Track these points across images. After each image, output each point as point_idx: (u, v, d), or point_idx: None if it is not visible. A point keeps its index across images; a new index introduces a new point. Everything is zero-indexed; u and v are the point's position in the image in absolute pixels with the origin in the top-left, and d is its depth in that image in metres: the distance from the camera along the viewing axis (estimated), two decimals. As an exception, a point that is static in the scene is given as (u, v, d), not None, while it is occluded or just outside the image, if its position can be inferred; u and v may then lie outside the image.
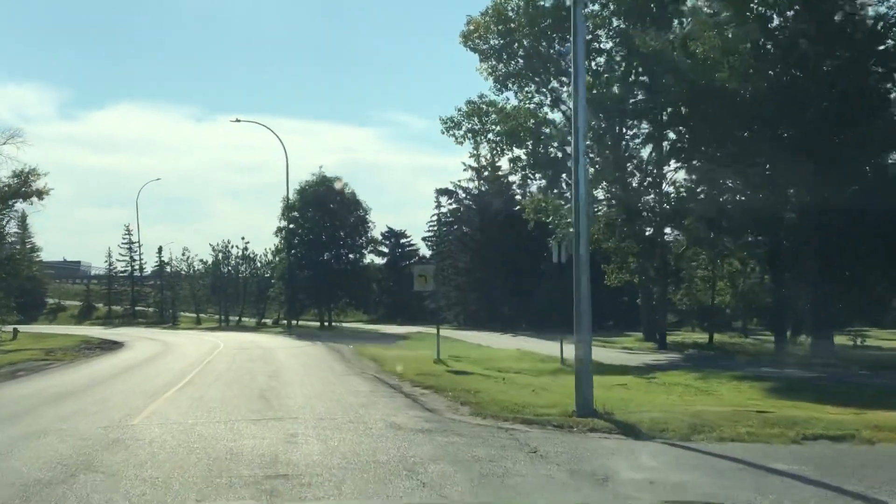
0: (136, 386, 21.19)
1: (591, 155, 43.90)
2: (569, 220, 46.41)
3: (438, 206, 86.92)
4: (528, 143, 43.88)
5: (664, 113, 39.19)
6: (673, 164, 39.95)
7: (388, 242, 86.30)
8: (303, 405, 16.31)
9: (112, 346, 47.69)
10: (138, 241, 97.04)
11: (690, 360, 34.28)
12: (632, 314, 67.69)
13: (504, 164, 69.96)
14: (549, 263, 70.44)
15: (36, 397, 19.20)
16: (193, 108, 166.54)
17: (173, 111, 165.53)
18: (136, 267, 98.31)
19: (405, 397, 18.13)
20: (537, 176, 44.56)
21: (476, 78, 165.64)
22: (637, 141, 42.64)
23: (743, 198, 35.10)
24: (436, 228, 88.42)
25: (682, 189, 38.79)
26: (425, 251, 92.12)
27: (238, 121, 63.79)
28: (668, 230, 42.30)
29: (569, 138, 45.48)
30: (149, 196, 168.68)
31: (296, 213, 62.87)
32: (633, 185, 42.53)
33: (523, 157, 44.38)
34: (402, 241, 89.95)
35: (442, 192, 75.62)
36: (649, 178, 42.10)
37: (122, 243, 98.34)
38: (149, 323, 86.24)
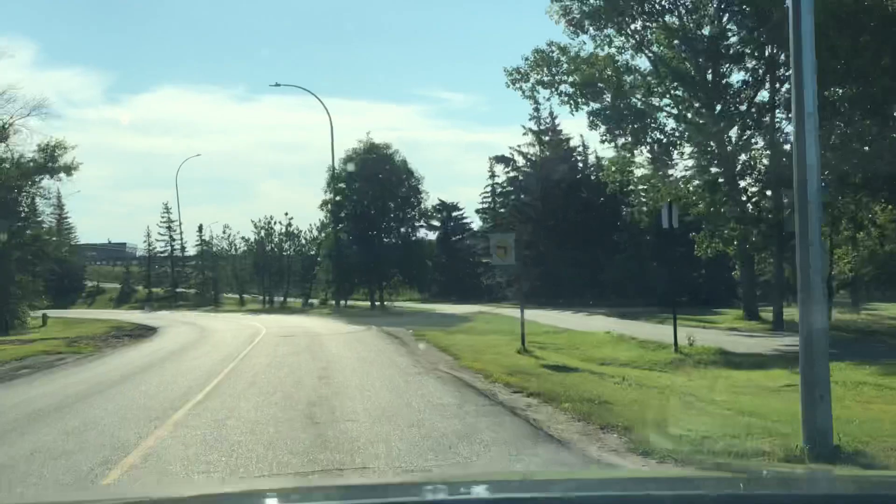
0: (146, 397, 16.08)
1: (679, 108, 38.32)
2: (659, 180, 40.91)
3: (493, 175, 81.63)
4: (607, 94, 38.26)
5: (774, 50, 33.38)
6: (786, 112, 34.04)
7: (439, 216, 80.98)
8: (371, 435, 11.08)
9: (144, 332, 43.16)
10: (178, 221, 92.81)
11: (833, 344, 28.42)
12: (710, 289, 61.87)
13: (567, 127, 64.63)
14: (622, 233, 64.97)
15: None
16: (236, 90, 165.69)
17: (216, 92, 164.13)
18: (178, 247, 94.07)
19: (512, 415, 12.82)
20: (616, 133, 38.80)
21: (522, 49, 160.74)
22: (737, 85, 36.69)
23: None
24: (490, 200, 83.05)
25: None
26: (478, 224, 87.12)
27: (278, 85, 59.86)
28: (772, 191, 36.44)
29: (655, 89, 40.10)
30: (193, 177, 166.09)
31: (342, 185, 57.68)
32: (733, 138, 36.73)
33: (594, 112, 38.69)
34: (455, 213, 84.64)
35: (498, 159, 70.19)
36: (753, 131, 36.25)
37: (161, 223, 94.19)
38: (190, 305, 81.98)
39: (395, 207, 58.42)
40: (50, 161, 58.07)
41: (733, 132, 36.93)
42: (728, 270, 63.78)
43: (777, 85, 35.55)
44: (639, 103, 38.02)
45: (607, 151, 65.25)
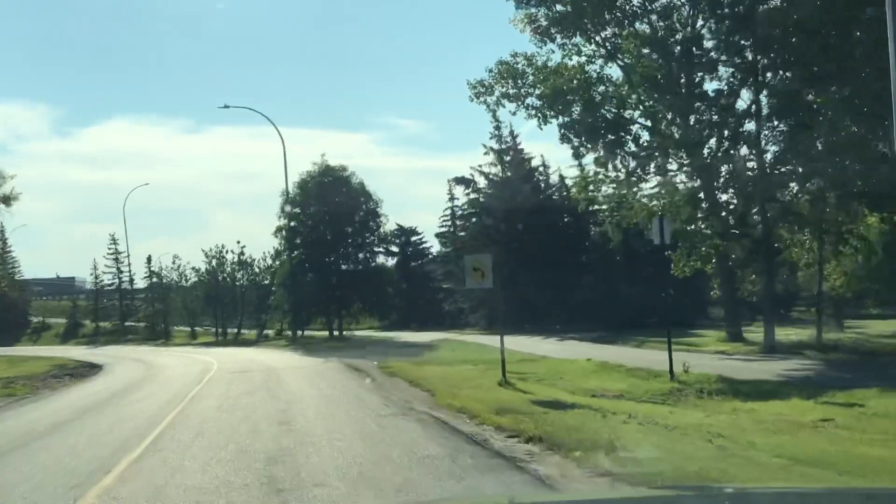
0: (73, 454, 13.53)
1: (654, 119, 36.38)
2: (633, 196, 38.76)
3: (452, 197, 79.30)
4: (577, 106, 36.20)
5: (759, 53, 31.54)
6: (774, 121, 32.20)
7: (397, 241, 78.51)
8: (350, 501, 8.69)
9: (88, 371, 40.43)
10: (127, 252, 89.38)
11: (838, 367, 26.40)
12: (679, 310, 59.99)
13: (529, 147, 62.50)
14: (592, 254, 62.87)
15: None
16: (186, 121, 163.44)
17: (166, 124, 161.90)
18: (126, 279, 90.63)
19: (517, 470, 10.47)
20: (588, 147, 36.74)
21: (473, 75, 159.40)
22: (712, 94, 34.79)
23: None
24: (449, 223, 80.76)
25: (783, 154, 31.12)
26: (438, 249, 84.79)
27: (227, 106, 56.59)
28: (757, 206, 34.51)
29: (628, 100, 38.02)
30: (144, 208, 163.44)
31: (297, 210, 55.11)
32: (712, 149, 34.83)
33: (566, 125, 36.60)
34: (413, 238, 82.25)
35: (458, 181, 67.92)
36: (732, 142, 34.36)
37: (109, 254, 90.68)
38: (139, 339, 78.71)
39: (353, 232, 55.92)
40: (-14, 191, 55.04)
41: (712, 143, 34.98)
42: (697, 290, 62.08)
43: (756, 92, 33.68)
44: (610, 115, 35.96)
45: (571, 170, 63.68)
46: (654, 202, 37.21)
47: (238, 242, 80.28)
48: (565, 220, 61.00)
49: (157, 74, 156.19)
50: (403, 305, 76.82)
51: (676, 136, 35.44)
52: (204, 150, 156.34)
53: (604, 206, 40.06)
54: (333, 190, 54.34)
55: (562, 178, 62.53)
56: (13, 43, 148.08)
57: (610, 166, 35.99)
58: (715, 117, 34.58)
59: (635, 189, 37.47)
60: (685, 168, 35.94)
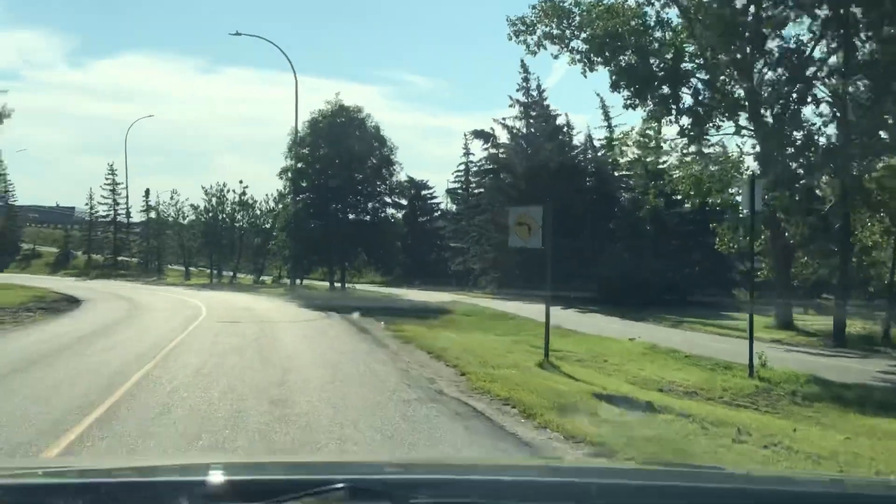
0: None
1: (717, 71, 32.39)
2: (684, 159, 34.91)
3: (467, 152, 75.26)
4: (628, 53, 32.24)
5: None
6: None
7: (406, 194, 74.48)
8: None
9: (66, 305, 36.85)
10: (126, 185, 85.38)
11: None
12: (702, 290, 56.23)
13: (555, 104, 57.85)
14: (621, 221, 58.93)
15: None
16: (199, 60, 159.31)
17: (179, 61, 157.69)
18: (122, 212, 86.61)
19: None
20: (643, 99, 32.79)
21: (492, 33, 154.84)
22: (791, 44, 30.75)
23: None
24: (462, 179, 76.79)
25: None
26: (448, 206, 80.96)
27: (238, 34, 52.41)
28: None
29: (687, 50, 34.02)
30: (149, 146, 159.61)
31: (305, 150, 51.09)
32: (779, 109, 30.87)
33: (617, 71, 32.64)
34: (424, 192, 78.33)
35: (476, 134, 63.72)
36: (802, 104, 30.40)
37: (105, 184, 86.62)
38: (131, 275, 75.00)
39: (364, 179, 51.84)
40: (-25, 107, 51.03)
41: (780, 104, 31.00)
42: (725, 269, 58.32)
43: (839, 48, 29.62)
44: (666, 66, 31.98)
45: (600, 131, 59.75)
46: (706, 168, 33.38)
47: (241, 182, 76.40)
48: (590, 183, 57.03)
49: (174, 11, 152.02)
50: (408, 262, 73.00)
51: (739, 93, 31.50)
52: (214, 92, 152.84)
53: (646, 168, 36.23)
54: (346, 132, 50.26)
55: (589, 138, 58.53)
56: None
57: (663, 123, 31.90)
58: (785, 75, 30.56)
59: (686, 151, 33.61)
60: (746, 131, 32.01)
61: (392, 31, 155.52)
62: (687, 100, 31.98)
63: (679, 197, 44.91)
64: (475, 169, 71.48)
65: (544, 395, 13.12)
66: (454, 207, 78.76)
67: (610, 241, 52.81)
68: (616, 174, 57.61)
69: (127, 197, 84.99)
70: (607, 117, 58.00)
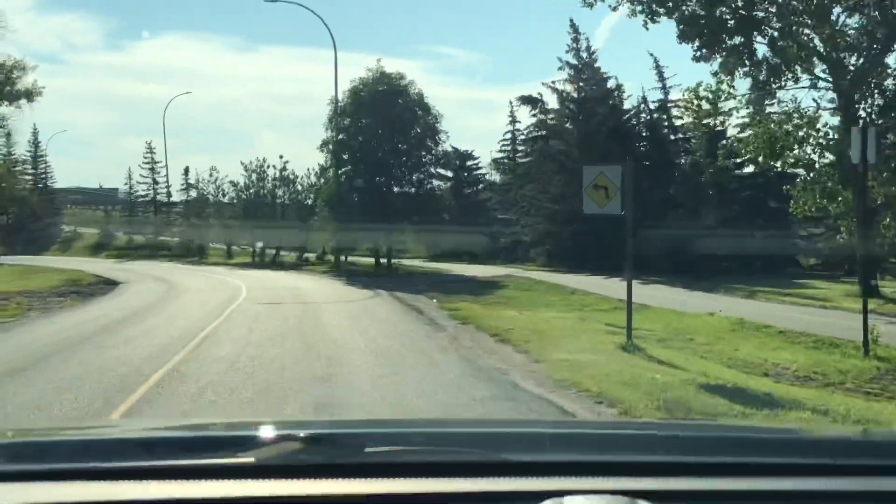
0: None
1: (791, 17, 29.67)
2: (757, 113, 32.22)
3: (513, 120, 72.54)
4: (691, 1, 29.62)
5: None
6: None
7: (451, 165, 71.84)
8: None
9: (100, 288, 35.04)
10: (164, 163, 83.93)
11: None
12: (763, 256, 53.41)
13: (605, 66, 54.66)
14: (680, 186, 56.04)
15: None
16: (236, 39, 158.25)
17: (216, 40, 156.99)
18: (163, 191, 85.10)
19: None
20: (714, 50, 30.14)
21: (532, 3, 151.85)
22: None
23: None
24: (509, 148, 74.17)
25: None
26: (494, 178, 78.40)
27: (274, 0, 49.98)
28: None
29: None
30: (188, 126, 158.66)
31: (346, 121, 48.73)
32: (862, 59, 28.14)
33: (684, 19, 30.02)
34: (469, 163, 75.81)
35: (524, 100, 60.89)
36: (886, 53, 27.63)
37: (144, 163, 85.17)
38: (172, 256, 73.41)
39: (408, 150, 49.31)
40: (7, 85, 49.42)
41: (861, 56, 28.24)
42: (787, 234, 55.39)
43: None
44: (737, 12, 29.28)
45: (654, 93, 56.73)
46: (780, 125, 30.73)
47: (281, 157, 74.26)
48: (645, 148, 54.24)
49: None
50: (455, 236, 70.65)
51: (817, 42, 28.79)
52: (253, 70, 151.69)
53: (711, 128, 33.61)
54: (389, 101, 47.79)
55: (643, 100, 55.52)
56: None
57: (735, 77, 29.26)
58: (871, 18, 27.78)
59: (758, 107, 30.97)
60: (825, 84, 29.30)
61: (431, 5, 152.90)
62: (761, 50, 29.29)
63: (745, 158, 42.26)
64: (523, 137, 68.60)
65: (642, 389, 10.86)
66: (500, 178, 76.24)
67: (670, 207, 50.07)
68: (673, 138, 54.69)
69: (167, 176, 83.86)
70: (661, 78, 55.15)
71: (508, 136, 73.17)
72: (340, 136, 48.70)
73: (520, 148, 72.04)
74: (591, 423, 6.83)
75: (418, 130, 49.42)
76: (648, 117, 54.72)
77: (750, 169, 54.76)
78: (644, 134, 54.67)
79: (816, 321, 22.39)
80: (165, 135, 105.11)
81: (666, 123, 55.43)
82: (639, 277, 44.44)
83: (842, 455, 2.45)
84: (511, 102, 72.01)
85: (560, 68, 54.85)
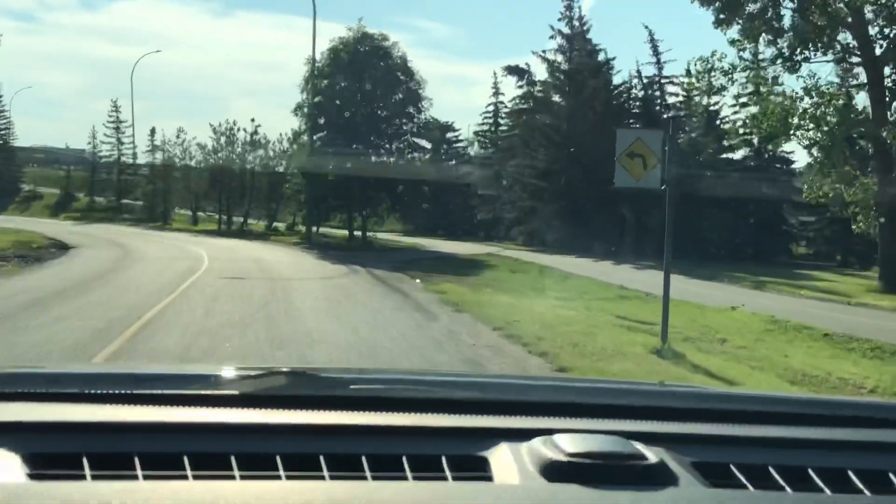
0: None
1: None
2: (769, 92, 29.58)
3: (497, 92, 69.53)
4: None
5: None
6: None
7: (429, 137, 68.79)
8: None
9: (50, 253, 31.98)
10: (131, 122, 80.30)
11: None
12: (758, 242, 51.06)
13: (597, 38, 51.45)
14: (675, 167, 52.81)
15: None
16: (213, 3, 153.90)
17: (194, 4, 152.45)
18: (129, 153, 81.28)
19: None
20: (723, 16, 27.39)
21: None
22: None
23: None
24: (491, 121, 71.23)
25: None
26: (475, 151, 75.54)
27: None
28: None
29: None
30: (161, 91, 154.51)
31: (323, 83, 45.55)
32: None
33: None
34: (449, 135, 72.88)
35: (510, 70, 57.86)
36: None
37: (109, 122, 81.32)
38: (135, 220, 70.07)
39: (389, 116, 46.22)
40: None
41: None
42: (779, 221, 53.08)
43: None
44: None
45: (647, 68, 53.86)
46: (794, 102, 28.16)
47: (252, 121, 70.75)
48: (638, 125, 51.51)
49: None
50: (432, 210, 67.76)
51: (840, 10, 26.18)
52: (229, 36, 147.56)
53: (728, 104, 30.96)
54: (370, 63, 44.67)
55: (639, 74, 52.58)
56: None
57: (757, 46, 26.55)
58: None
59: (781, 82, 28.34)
60: (849, 58, 26.70)
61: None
62: (787, 19, 26.58)
63: (745, 137, 39.86)
64: (507, 110, 65.49)
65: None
66: (481, 152, 73.42)
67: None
68: (665, 116, 51.90)
69: (133, 136, 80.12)
70: (656, 52, 52.23)
71: (491, 108, 70.28)
72: (317, 99, 45.54)
73: (503, 121, 69.26)
74: (587, 378, 7.11)
75: (400, 96, 46.39)
76: (643, 92, 51.82)
77: (743, 152, 52.45)
78: (636, 111, 51.77)
79: (855, 322, 19.81)
80: (133, 94, 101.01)
81: (658, 100, 52.61)
82: (631, 262, 42.00)
83: (824, 410, 2.50)
84: (495, 73, 68.90)
85: (551, 37, 52.17)
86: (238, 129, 60.01)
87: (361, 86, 45.18)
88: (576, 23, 51.12)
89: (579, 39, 51.27)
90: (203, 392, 2.11)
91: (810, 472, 1.90)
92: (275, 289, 20.64)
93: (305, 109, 46.62)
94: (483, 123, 71.52)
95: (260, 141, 59.56)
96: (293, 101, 57.76)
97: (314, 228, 50.04)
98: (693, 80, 29.00)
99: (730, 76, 27.82)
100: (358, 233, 49.32)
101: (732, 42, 27.55)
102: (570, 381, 4.20)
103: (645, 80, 51.83)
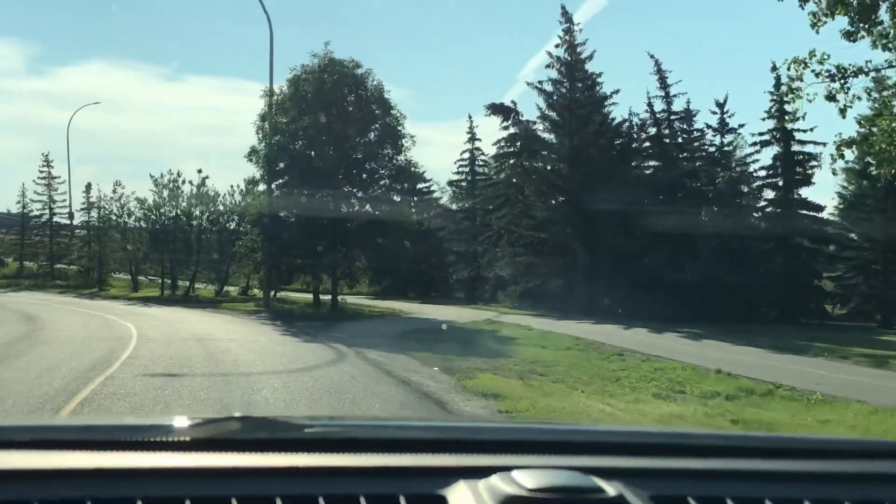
0: None
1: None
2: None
3: (473, 137, 62.15)
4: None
5: None
6: None
7: (398, 188, 61.03)
8: None
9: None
10: (67, 178, 71.96)
11: None
12: (786, 299, 43.81)
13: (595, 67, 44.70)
14: (717, 206, 45.73)
15: None
16: (164, 68, 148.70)
17: (144, 69, 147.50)
18: (65, 211, 72.59)
19: None
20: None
21: (467, 48, 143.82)
22: None
23: None
24: (467, 169, 63.71)
25: None
26: (450, 201, 68.16)
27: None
28: None
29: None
30: (112, 155, 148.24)
31: (282, 120, 37.89)
32: None
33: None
34: (420, 186, 65.40)
35: (495, 109, 50.42)
36: None
37: (40, 178, 72.96)
38: (69, 286, 61.72)
39: (363, 158, 38.55)
40: None
41: None
42: (811, 275, 46.13)
43: None
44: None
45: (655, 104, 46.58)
46: None
47: (199, 172, 62.93)
48: (653, 166, 44.50)
49: (136, 19, 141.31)
50: (401, 268, 59.88)
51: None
52: (178, 100, 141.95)
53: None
54: (338, 94, 37.16)
55: (650, 108, 45.30)
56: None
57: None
58: None
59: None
60: None
61: (363, 37, 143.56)
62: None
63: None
64: (492, 153, 57.23)
65: None
66: (454, 206, 66.11)
67: (691, 242, 40.26)
68: (681, 155, 44.68)
69: (70, 197, 71.43)
70: (664, 85, 45.07)
71: (466, 156, 62.84)
72: (276, 138, 37.86)
73: (480, 169, 61.92)
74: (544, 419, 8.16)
75: (376, 133, 38.83)
76: (655, 130, 44.46)
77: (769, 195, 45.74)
78: (650, 150, 44.43)
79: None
80: (69, 150, 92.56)
81: (667, 138, 45.30)
82: (645, 324, 34.79)
83: (779, 444, 2.51)
84: (469, 117, 61.62)
85: (548, 66, 44.73)
86: (183, 181, 51.97)
87: (329, 122, 37.59)
88: (579, 47, 43.97)
89: (580, 69, 44.20)
90: (158, 438, 2.07)
91: (767, 503, 1.92)
92: (231, 397, 12.81)
93: (262, 153, 38.76)
94: (458, 172, 64.13)
95: (208, 193, 51.57)
96: (244, 164, 48.92)
97: (272, 293, 41.94)
98: (787, 85, 21.76)
99: (842, 80, 20.68)
100: (325, 297, 41.52)
101: (847, 34, 20.52)
102: (527, 422, 4.56)
103: (659, 115, 44.35)
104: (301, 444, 2.04)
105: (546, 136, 46.24)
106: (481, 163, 62.08)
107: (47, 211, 73.82)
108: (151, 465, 1.90)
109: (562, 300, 42.82)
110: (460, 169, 63.51)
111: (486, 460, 1.99)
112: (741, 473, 2.07)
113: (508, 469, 1.88)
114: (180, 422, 2.21)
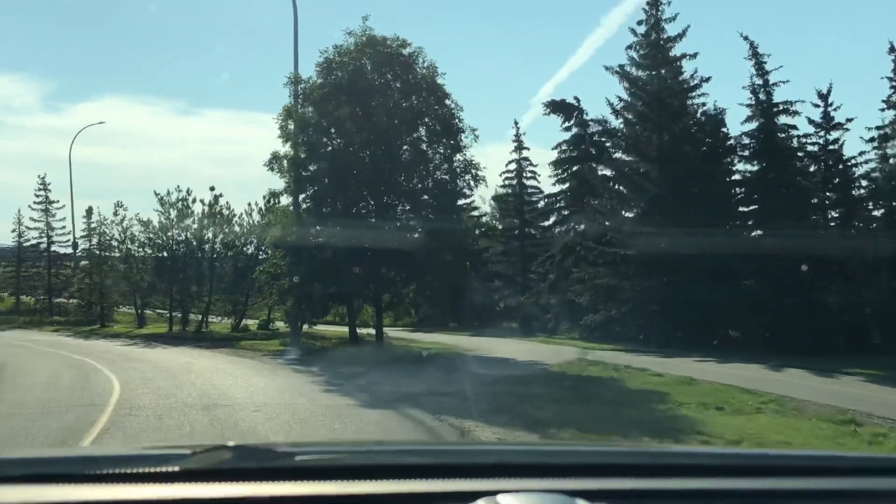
0: None
1: None
2: None
3: (519, 146, 54.56)
4: None
5: None
6: None
7: (432, 204, 52.90)
8: None
9: None
10: (69, 205, 65.10)
11: None
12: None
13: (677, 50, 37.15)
14: (843, 225, 37.25)
15: None
16: (178, 102, 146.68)
17: (158, 104, 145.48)
18: (64, 239, 65.58)
19: None
20: None
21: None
22: None
23: None
24: (514, 181, 56.03)
25: None
26: (493, 218, 60.74)
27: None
28: None
29: None
30: (130, 189, 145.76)
31: (309, 111, 30.25)
32: None
33: None
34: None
35: (555, 107, 42.80)
36: None
37: (36, 203, 65.98)
38: (68, 322, 54.61)
39: (414, 159, 30.80)
40: None
41: None
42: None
43: None
44: None
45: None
46: None
47: (211, 189, 55.38)
48: (755, 168, 36.81)
49: (151, 54, 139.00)
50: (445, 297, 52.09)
51: None
52: (192, 133, 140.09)
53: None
54: (380, 81, 29.80)
55: (755, 96, 37.16)
56: (7, 15, 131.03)
57: None
58: None
59: None
60: None
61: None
62: None
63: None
64: (558, 157, 48.65)
65: None
66: (499, 224, 58.73)
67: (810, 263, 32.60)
68: (801, 154, 36.74)
69: (73, 224, 64.43)
70: (760, 68, 37.29)
71: (514, 165, 55.14)
72: (303, 138, 30.52)
73: (528, 182, 54.33)
74: (528, 441, 8.11)
75: (429, 126, 31.35)
76: (757, 126, 36.44)
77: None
78: (753, 147, 36.36)
79: None
80: (72, 174, 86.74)
81: (781, 132, 37.41)
82: (749, 358, 27.46)
83: (764, 462, 2.48)
84: (515, 123, 54.16)
85: (628, 47, 37.12)
86: (193, 200, 44.57)
87: (369, 116, 30.22)
88: (663, 25, 36.32)
89: (667, 49, 36.53)
90: (150, 470, 2.07)
91: None
92: None
93: (286, 158, 31.41)
94: (503, 185, 56.44)
95: (221, 211, 44.19)
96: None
97: (302, 325, 34.36)
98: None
99: None
100: (363, 329, 34.11)
101: None
102: (511, 445, 4.44)
103: (763, 107, 36.16)
104: (291, 473, 2.05)
105: (626, 130, 38.50)
106: (529, 174, 54.57)
107: (45, 239, 66.75)
108: (143, 497, 1.87)
109: (642, 330, 35.36)
110: (506, 181, 55.86)
111: (473, 485, 1.98)
112: (728, 493, 2.03)
113: (494, 493, 1.88)
114: (171, 452, 2.22)
